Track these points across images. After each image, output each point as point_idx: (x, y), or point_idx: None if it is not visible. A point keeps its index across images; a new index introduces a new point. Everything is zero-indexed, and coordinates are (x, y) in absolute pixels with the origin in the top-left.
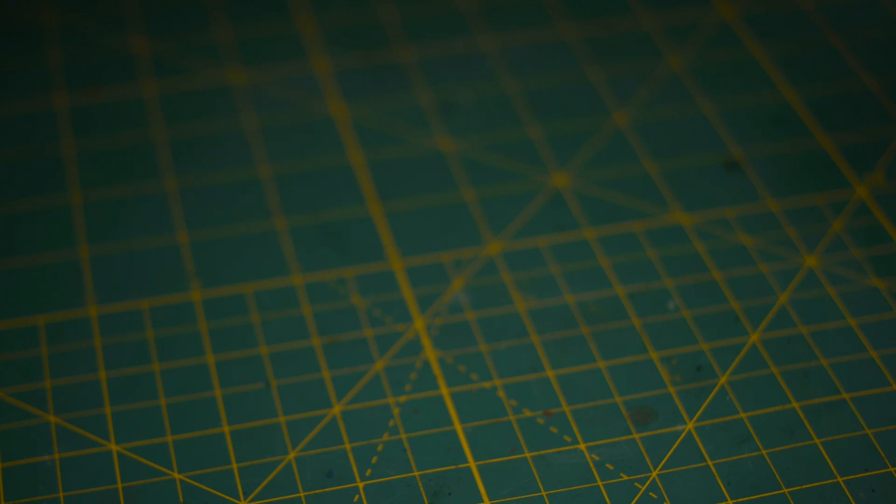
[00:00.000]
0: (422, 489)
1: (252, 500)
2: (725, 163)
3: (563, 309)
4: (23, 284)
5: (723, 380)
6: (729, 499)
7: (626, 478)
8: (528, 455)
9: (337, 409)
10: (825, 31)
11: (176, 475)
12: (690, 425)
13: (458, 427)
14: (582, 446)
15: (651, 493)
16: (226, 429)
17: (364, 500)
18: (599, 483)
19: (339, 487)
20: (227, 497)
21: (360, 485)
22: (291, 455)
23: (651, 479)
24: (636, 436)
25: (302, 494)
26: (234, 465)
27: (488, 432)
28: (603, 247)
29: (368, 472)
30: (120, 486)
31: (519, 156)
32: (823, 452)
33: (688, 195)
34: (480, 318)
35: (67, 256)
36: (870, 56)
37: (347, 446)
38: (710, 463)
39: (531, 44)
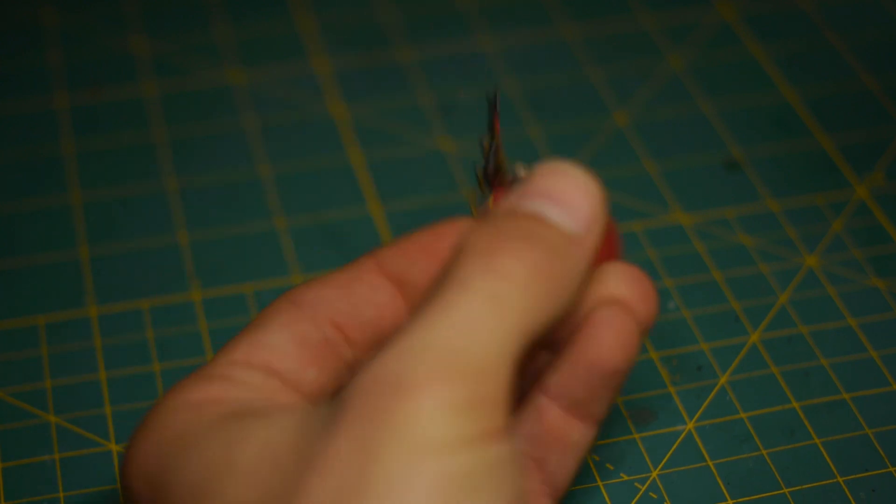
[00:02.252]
0: None
1: None
2: (725, 163)
3: None
4: (23, 284)
5: (723, 380)
6: (729, 499)
7: (626, 478)
8: None
9: None
10: (825, 31)
11: None
12: (690, 425)
13: None
14: None
15: (651, 493)
16: None
17: None
18: (599, 483)
19: None
20: None
21: None
22: None
23: (651, 479)
24: (636, 436)
25: None
26: None
27: None
28: None
29: None
30: (120, 485)
31: (519, 156)
32: (823, 452)
33: (688, 195)
34: None
35: (67, 256)
36: (870, 56)
37: None
38: (710, 463)
39: (531, 44)
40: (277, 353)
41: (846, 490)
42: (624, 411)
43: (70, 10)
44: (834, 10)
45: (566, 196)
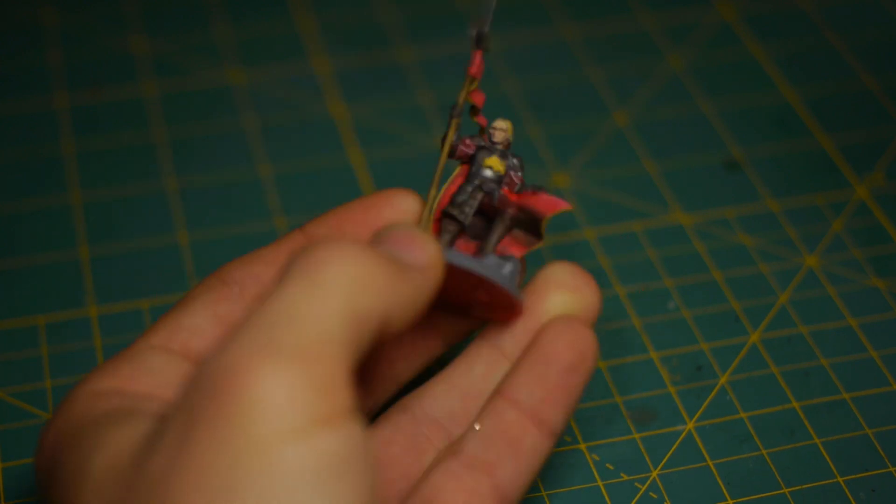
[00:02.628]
0: None
1: None
2: (725, 163)
3: None
4: (23, 284)
5: (723, 380)
6: (729, 499)
7: (626, 478)
8: None
9: None
10: (825, 31)
11: None
12: (690, 425)
13: None
14: (582, 446)
15: (651, 493)
16: None
17: None
18: (599, 483)
19: None
20: None
21: None
22: None
23: (651, 479)
24: (636, 436)
25: None
26: None
27: None
28: (603, 247)
29: None
30: None
31: (520, 155)
32: (823, 452)
33: (688, 195)
34: None
35: (67, 256)
36: (870, 56)
37: None
38: (710, 463)
39: (531, 44)
40: (196, 335)
41: (846, 490)
42: (624, 411)
43: (70, 10)
44: (834, 10)
45: (410, 243)
